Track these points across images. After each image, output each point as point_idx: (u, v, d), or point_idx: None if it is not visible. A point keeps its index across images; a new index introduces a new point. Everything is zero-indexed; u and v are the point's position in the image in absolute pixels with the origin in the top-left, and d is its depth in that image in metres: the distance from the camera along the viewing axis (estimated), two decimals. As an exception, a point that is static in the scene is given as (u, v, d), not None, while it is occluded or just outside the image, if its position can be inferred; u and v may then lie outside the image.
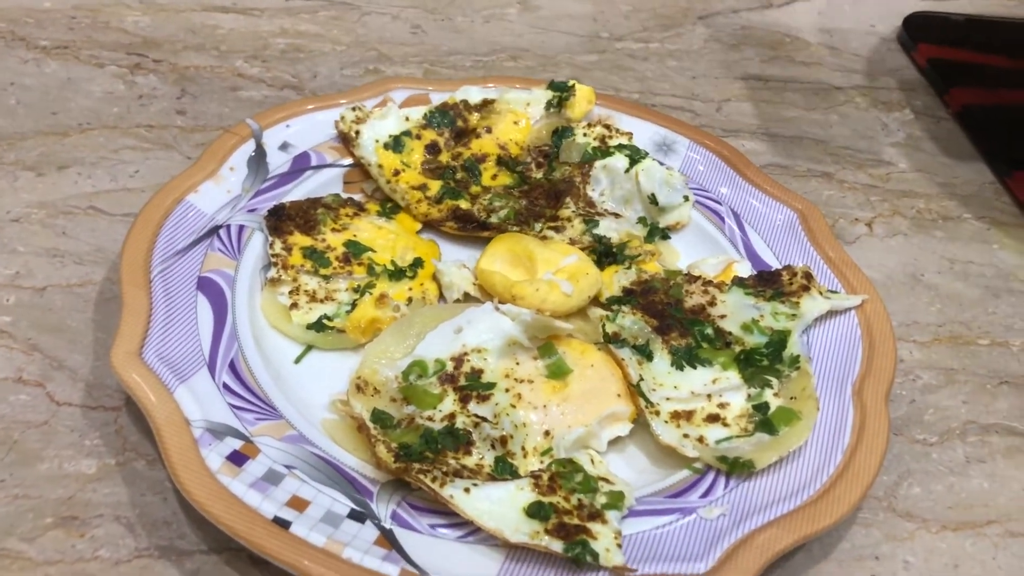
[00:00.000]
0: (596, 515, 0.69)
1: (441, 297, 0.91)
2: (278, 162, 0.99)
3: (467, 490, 0.69)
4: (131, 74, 1.17)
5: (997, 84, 1.34)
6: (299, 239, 0.91)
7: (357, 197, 1.00)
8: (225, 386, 0.76)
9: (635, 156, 1.02)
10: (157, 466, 0.76)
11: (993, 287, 1.04)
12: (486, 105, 1.07)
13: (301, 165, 0.99)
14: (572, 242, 0.96)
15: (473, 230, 0.97)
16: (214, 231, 0.89)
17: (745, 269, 0.95)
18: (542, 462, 0.75)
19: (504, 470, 0.73)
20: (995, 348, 0.96)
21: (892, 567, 0.76)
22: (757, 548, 0.69)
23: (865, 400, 0.81)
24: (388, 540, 0.67)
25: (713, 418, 0.79)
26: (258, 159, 0.98)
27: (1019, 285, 1.04)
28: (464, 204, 0.98)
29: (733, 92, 1.29)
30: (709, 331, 0.86)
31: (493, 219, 0.97)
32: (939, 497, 0.82)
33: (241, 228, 0.91)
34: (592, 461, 0.76)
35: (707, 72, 1.31)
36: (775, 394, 0.81)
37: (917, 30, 1.42)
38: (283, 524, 0.66)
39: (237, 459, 0.70)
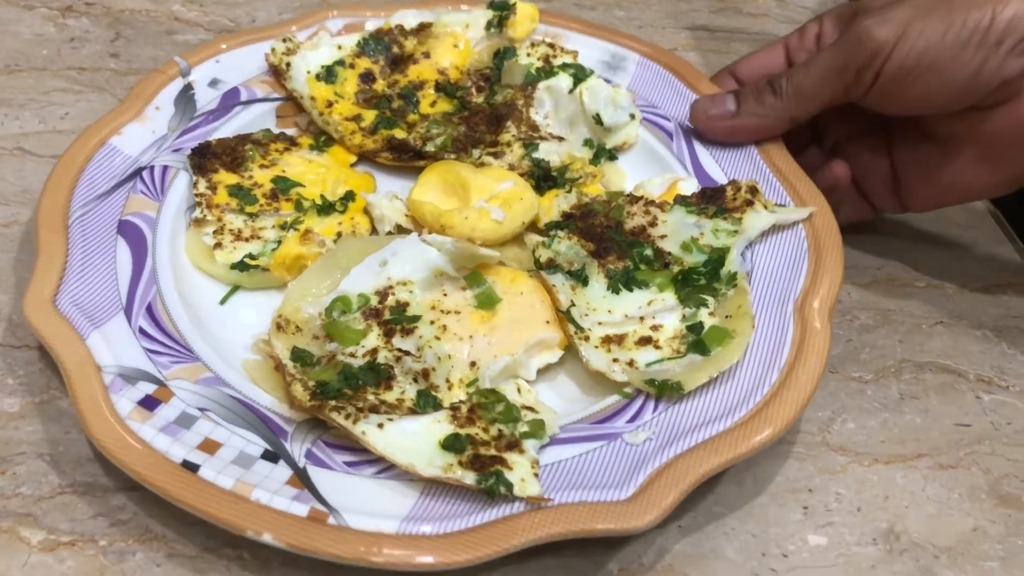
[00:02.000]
0: (513, 444, 0.68)
1: (374, 231, 0.89)
2: (206, 99, 0.96)
3: (380, 425, 0.67)
4: (62, 16, 1.14)
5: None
6: (225, 177, 0.88)
7: (290, 131, 0.97)
8: (141, 330, 0.75)
9: (580, 75, 0.98)
10: None
11: (932, 231, 1.02)
12: (423, 29, 1.03)
13: (230, 101, 0.96)
14: (512, 168, 0.92)
15: (409, 160, 0.94)
16: (137, 173, 0.87)
17: (691, 187, 0.91)
18: (468, 393, 0.73)
19: (427, 404, 0.71)
20: (931, 290, 0.95)
21: (824, 499, 0.76)
22: (680, 472, 0.66)
23: (806, 316, 0.77)
24: (300, 479, 0.66)
25: (645, 341, 0.77)
26: (185, 97, 0.95)
27: (957, 230, 1.02)
28: (400, 133, 0.95)
29: (680, 42, 1.26)
30: (648, 252, 0.83)
31: (429, 147, 0.94)
32: (872, 432, 0.81)
33: (165, 169, 0.88)
34: (519, 390, 0.74)
35: (654, 22, 1.28)
36: (710, 313, 0.78)
37: None
38: (192, 467, 0.65)
39: (149, 403, 0.69)
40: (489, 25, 1.03)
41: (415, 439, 0.67)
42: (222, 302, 0.82)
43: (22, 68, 1.05)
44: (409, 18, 1.03)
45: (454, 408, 0.70)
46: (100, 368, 0.70)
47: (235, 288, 0.83)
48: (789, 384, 0.72)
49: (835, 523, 0.74)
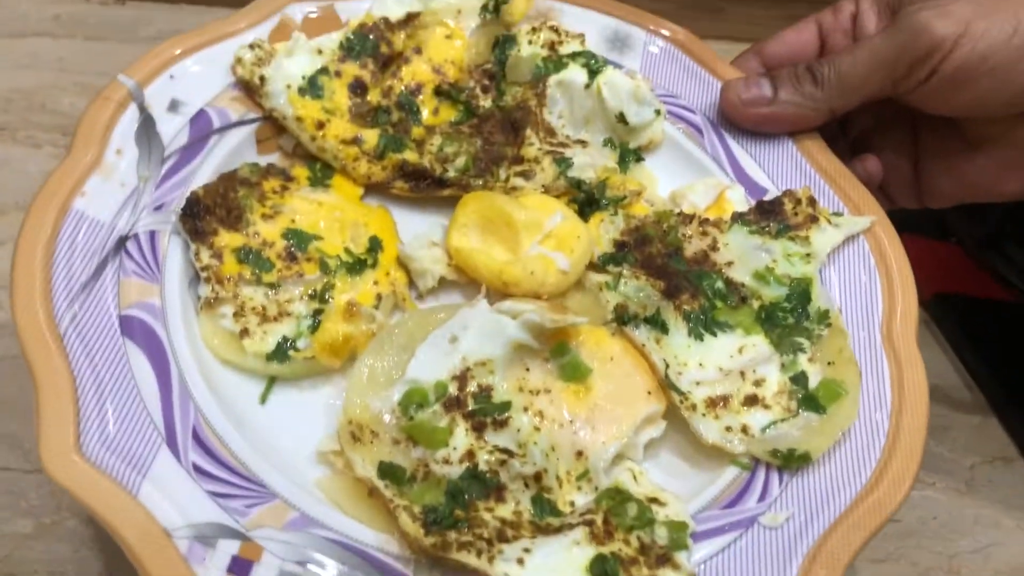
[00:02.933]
0: (664, 559, 0.62)
1: (411, 284, 0.78)
2: (172, 130, 0.79)
3: (520, 561, 0.60)
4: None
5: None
6: (227, 238, 0.74)
7: (276, 159, 0.83)
8: (197, 468, 0.63)
9: (594, 66, 0.88)
10: (91, 524, 0.78)
11: None
12: (410, 20, 0.88)
13: (202, 131, 0.80)
14: (546, 190, 0.82)
15: (427, 189, 0.82)
16: (120, 245, 0.71)
17: (739, 196, 0.85)
18: (579, 487, 0.66)
19: (543, 512, 0.65)
20: None
21: None
22: (831, 554, 0.64)
23: (896, 347, 0.75)
24: (441, 634, 0.58)
25: (751, 400, 0.72)
26: (147, 130, 0.78)
27: None
28: (411, 156, 0.82)
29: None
30: (719, 284, 0.77)
31: (450, 172, 0.82)
32: None
33: (153, 234, 0.73)
34: (635, 477, 0.68)
35: None
36: (809, 359, 0.74)
37: None
38: (319, 646, 0.56)
39: (239, 568, 0.58)
40: (484, 9, 0.89)
41: (559, 572, 0.60)
42: (262, 401, 0.70)
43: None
44: (391, 6, 0.88)
45: (588, 523, 0.63)
46: (169, 533, 0.58)
47: (272, 381, 0.71)
48: (901, 431, 0.70)
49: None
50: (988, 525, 0.89)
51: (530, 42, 0.90)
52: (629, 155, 0.88)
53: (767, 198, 0.84)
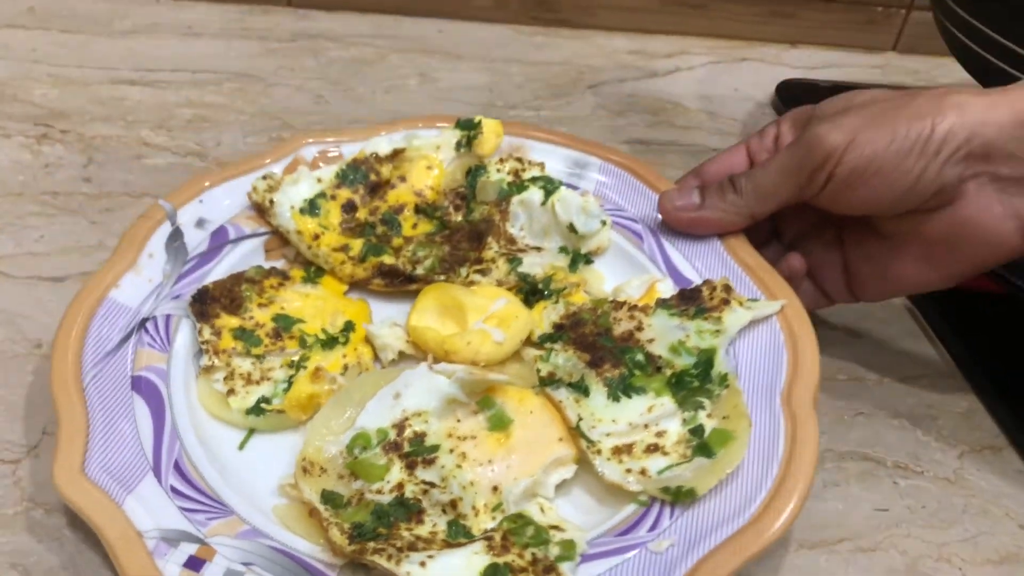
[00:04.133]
0: (550, 569, 0.72)
1: (376, 359, 0.93)
2: (196, 240, 0.99)
3: (423, 564, 0.71)
4: (37, 144, 1.19)
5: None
6: (227, 321, 0.91)
7: (279, 264, 1.01)
8: (173, 489, 0.77)
9: (549, 187, 1.05)
10: (54, 515, 0.79)
11: (853, 328, 1.09)
12: (396, 155, 1.08)
13: (219, 241, 0.99)
14: (499, 283, 0.97)
15: (400, 284, 0.98)
16: (141, 325, 0.89)
17: (667, 288, 0.98)
18: (494, 517, 0.77)
19: (457, 533, 0.75)
20: (852, 383, 1.02)
21: None
22: (708, 574, 0.71)
23: (794, 408, 0.84)
24: (353, 625, 0.69)
25: (652, 448, 0.82)
26: (176, 241, 0.98)
27: (874, 325, 1.10)
28: (388, 259, 0.99)
29: None
30: (640, 357, 0.89)
31: (419, 270, 0.98)
32: (798, 519, 0.82)
33: (168, 318, 0.91)
34: (542, 509, 0.78)
35: (596, 136, 1.34)
36: (708, 415, 0.84)
37: (788, 96, 1.49)
38: (248, 625, 0.68)
39: (194, 564, 0.71)
40: (459, 145, 1.08)
41: (457, 574, 0.71)
42: (240, 447, 0.85)
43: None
44: (382, 145, 1.08)
45: (488, 538, 0.74)
46: (141, 534, 0.72)
47: (251, 432, 0.86)
48: (790, 477, 0.78)
49: (761, 606, 0.78)
50: (977, 514, 0.89)
51: (498, 170, 1.08)
52: (580, 258, 1.02)
53: (690, 288, 0.96)
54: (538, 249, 1.03)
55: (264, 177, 1.03)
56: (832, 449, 0.94)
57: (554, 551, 0.73)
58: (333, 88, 1.41)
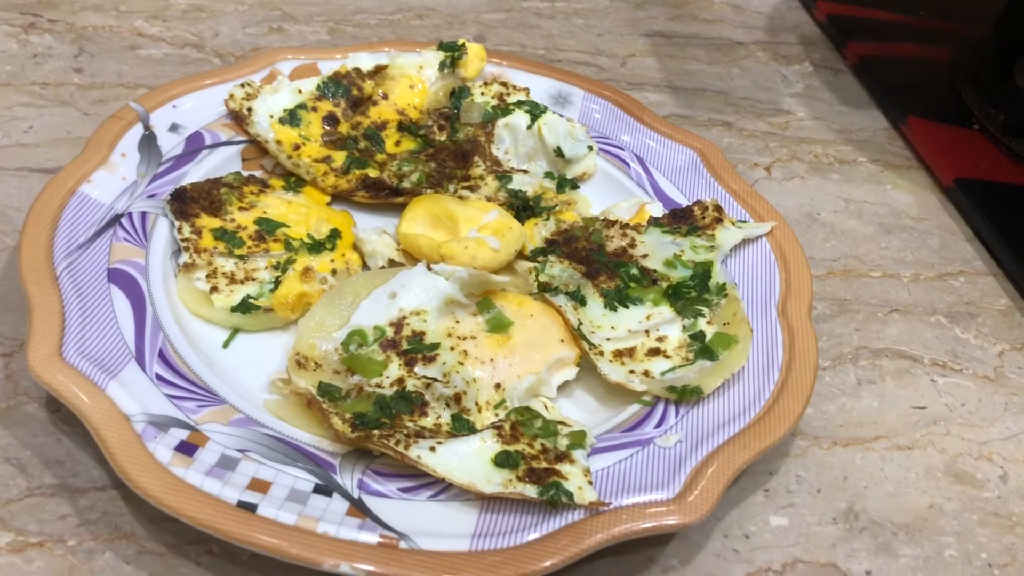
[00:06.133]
0: (563, 456, 0.70)
1: (364, 266, 0.89)
2: (170, 144, 0.94)
3: (433, 449, 0.68)
4: (25, 33, 1.14)
5: (892, 37, 1.41)
6: (207, 221, 0.87)
7: (258, 174, 0.97)
8: (159, 377, 0.72)
9: (535, 111, 1.03)
10: (49, 408, 0.75)
11: (886, 224, 1.09)
12: (379, 71, 1.05)
13: (195, 145, 0.95)
14: (489, 199, 0.95)
15: (386, 197, 0.95)
16: (115, 220, 0.84)
17: (657, 209, 0.97)
18: (497, 415, 0.75)
19: (462, 426, 0.73)
20: (886, 280, 1.01)
21: (785, 481, 0.79)
22: (719, 468, 0.71)
23: (791, 319, 0.84)
24: (360, 509, 0.66)
25: (654, 351, 0.81)
26: (148, 143, 0.92)
27: (910, 222, 1.09)
28: (373, 172, 0.96)
29: (637, 48, 1.32)
30: (635, 271, 0.88)
31: (405, 184, 0.95)
32: (831, 416, 0.85)
33: (144, 215, 0.86)
34: (546, 407, 0.76)
35: (612, 29, 1.33)
36: (708, 322, 0.84)
37: None
38: (249, 508, 0.64)
39: (187, 449, 0.67)
40: (442, 66, 1.06)
41: (468, 459, 0.68)
42: (225, 346, 0.80)
43: (-16, 84, 1.03)
44: (364, 61, 1.05)
45: (497, 427, 0.72)
46: (128, 417, 0.68)
47: (236, 331, 0.82)
48: (791, 381, 0.79)
49: (796, 504, 0.77)
50: (1019, 412, 0.87)
51: (482, 93, 1.06)
52: (566, 183, 1.01)
53: (681, 208, 0.96)
54: (524, 172, 1.01)
55: (242, 85, 0.99)
56: (866, 346, 0.92)
57: (563, 443, 0.72)
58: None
